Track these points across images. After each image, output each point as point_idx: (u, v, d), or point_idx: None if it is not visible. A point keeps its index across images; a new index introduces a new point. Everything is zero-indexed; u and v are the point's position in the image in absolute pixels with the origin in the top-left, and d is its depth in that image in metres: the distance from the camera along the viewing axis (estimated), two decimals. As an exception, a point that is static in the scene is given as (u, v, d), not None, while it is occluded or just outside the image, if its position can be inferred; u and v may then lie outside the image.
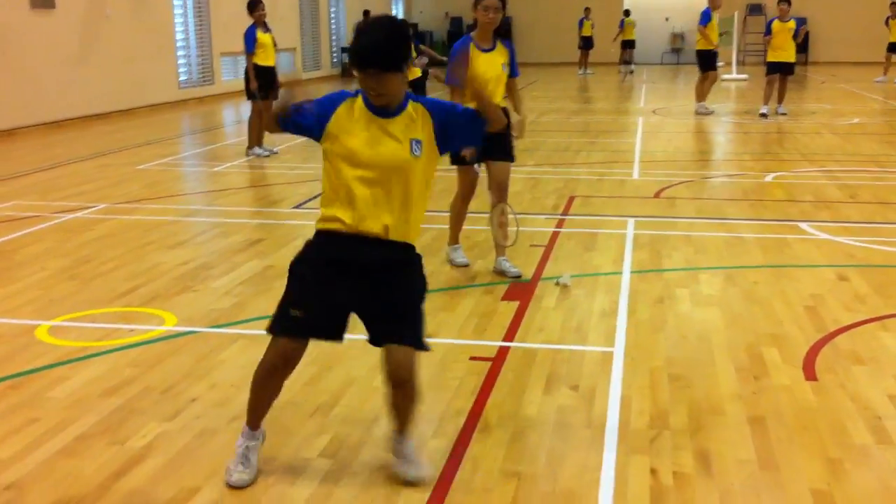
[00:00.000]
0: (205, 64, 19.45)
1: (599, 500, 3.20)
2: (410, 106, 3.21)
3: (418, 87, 12.55)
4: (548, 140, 12.46)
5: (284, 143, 12.53)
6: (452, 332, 4.91)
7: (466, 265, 6.18)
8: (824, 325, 4.97)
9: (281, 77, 2.79)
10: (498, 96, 5.73)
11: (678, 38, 33.36)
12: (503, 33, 5.87)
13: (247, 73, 11.24)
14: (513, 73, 5.87)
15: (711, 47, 15.71)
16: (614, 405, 3.97)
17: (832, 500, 3.19)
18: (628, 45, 28.46)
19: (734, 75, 24.14)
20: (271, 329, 3.26)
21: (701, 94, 15.90)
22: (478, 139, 3.37)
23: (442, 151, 3.28)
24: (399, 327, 3.23)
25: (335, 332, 3.25)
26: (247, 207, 8.63)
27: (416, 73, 12.48)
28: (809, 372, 4.33)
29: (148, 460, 3.52)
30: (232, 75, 20.32)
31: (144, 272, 6.18)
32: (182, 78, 18.60)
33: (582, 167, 10.49)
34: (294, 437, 3.70)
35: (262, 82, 11.19)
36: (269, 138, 11.74)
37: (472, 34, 5.76)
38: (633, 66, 28.06)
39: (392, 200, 3.17)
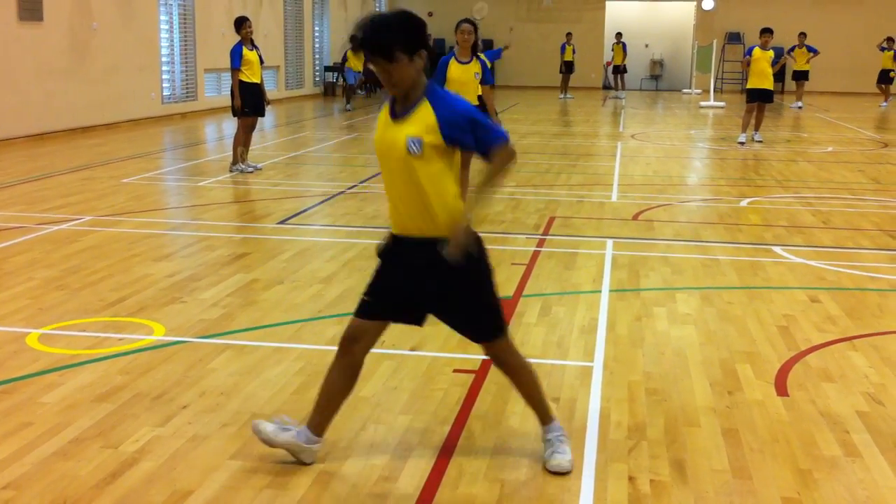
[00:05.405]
0: (189, 80, 19.54)
1: (580, 505, 3.33)
2: (422, 104, 3.30)
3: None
4: (529, 162, 12.65)
5: (268, 159, 12.64)
6: (436, 345, 5.03)
7: None
8: (796, 344, 5.15)
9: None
10: (470, 95, 7.91)
11: (657, 64, 33.86)
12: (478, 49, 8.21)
13: (233, 89, 11.37)
14: (484, 81, 8.14)
15: None
16: (594, 417, 4.11)
17: (801, 507, 3.34)
18: (619, 69, 28.73)
19: (711, 102, 24.54)
20: None
21: None
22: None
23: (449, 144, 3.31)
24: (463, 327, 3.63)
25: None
26: (232, 222, 8.72)
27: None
28: (781, 388, 4.49)
29: (141, 463, 3.61)
30: (215, 91, 20.42)
31: (132, 283, 6.27)
32: (165, 93, 18.67)
33: (562, 189, 10.67)
34: (284, 442, 3.80)
35: (247, 99, 11.32)
36: (253, 155, 11.85)
37: (455, 50, 8.09)
38: (619, 92, 28.35)
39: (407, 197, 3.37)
